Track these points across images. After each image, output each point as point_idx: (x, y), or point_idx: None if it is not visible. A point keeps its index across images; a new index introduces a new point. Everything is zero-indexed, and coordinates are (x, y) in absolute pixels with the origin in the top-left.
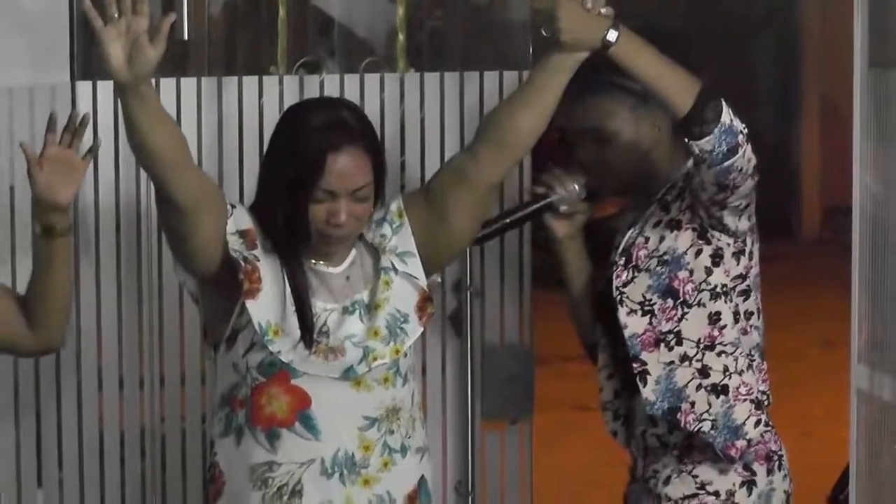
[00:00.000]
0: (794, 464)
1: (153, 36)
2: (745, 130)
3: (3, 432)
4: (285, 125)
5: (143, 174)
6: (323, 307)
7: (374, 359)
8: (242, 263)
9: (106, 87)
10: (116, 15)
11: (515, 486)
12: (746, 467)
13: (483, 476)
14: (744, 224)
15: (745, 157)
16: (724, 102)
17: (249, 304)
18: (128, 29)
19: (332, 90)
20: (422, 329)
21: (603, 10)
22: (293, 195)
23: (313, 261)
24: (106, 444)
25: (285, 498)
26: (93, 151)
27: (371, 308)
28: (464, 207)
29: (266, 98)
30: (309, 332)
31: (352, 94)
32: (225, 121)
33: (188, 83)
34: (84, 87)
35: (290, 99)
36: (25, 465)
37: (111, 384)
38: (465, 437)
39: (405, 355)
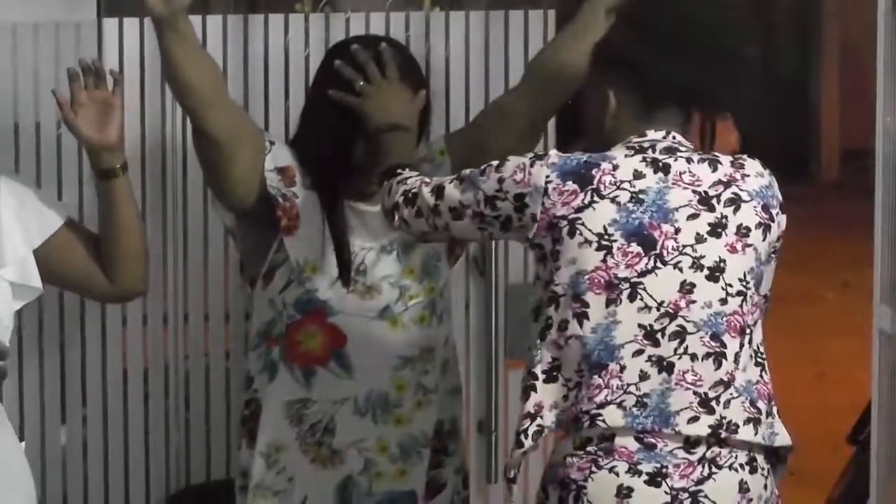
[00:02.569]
0: (811, 405)
1: None
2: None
3: (28, 369)
4: (334, 57)
5: (169, 111)
6: (361, 246)
7: (410, 298)
8: (280, 200)
9: (132, 25)
10: None
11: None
12: (543, 488)
13: (506, 414)
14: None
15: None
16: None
17: (287, 240)
18: None
19: (357, 28)
20: (450, 269)
21: None
22: (337, 130)
23: (352, 199)
24: (130, 382)
25: (318, 435)
26: (119, 84)
27: (407, 247)
28: (507, 146)
29: (291, 36)
30: (347, 270)
31: (377, 32)
32: (250, 59)
33: (214, 21)
34: (110, 23)
35: (316, 37)
36: (49, 402)
37: (135, 321)
38: (487, 376)
39: (440, 295)
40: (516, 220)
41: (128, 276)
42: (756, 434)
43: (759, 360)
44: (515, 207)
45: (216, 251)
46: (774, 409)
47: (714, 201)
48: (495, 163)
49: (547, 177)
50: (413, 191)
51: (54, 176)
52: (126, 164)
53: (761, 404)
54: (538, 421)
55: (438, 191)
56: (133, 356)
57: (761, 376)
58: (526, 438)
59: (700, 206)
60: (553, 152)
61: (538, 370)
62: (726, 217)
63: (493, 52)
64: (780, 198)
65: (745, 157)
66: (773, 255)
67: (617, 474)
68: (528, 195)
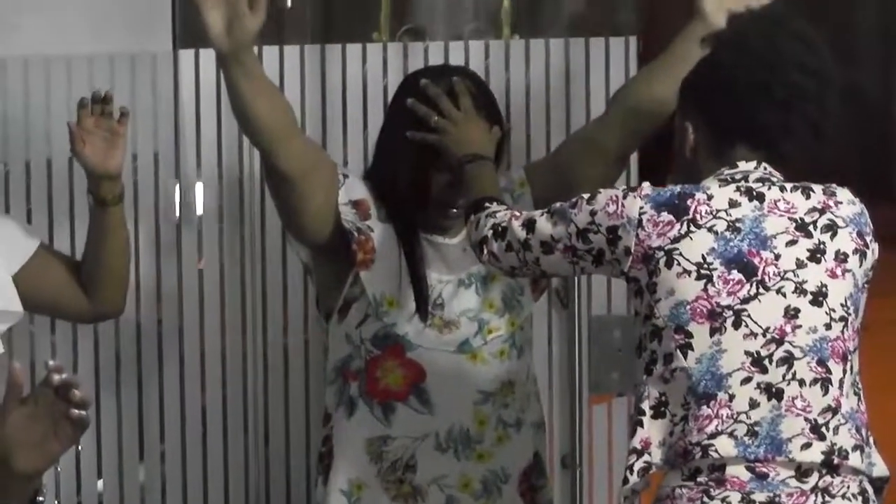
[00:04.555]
0: None
1: (253, 3)
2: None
3: (106, 406)
4: (406, 92)
5: (246, 143)
6: (438, 279)
7: (490, 332)
8: (356, 234)
9: (208, 56)
10: None
11: (622, 459)
12: None
13: (590, 449)
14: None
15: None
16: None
17: (363, 274)
18: None
19: (436, 57)
20: (535, 302)
21: None
22: (414, 164)
23: (429, 232)
24: (209, 418)
25: (399, 472)
26: (126, 115)
27: (487, 280)
28: (591, 178)
29: (369, 65)
30: (424, 304)
31: (456, 61)
32: (328, 89)
33: (291, 51)
34: (186, 55)
35: (394, 66)
36: (127, 440)
37: (214, 355)
38: (571, 410)
39: (521, 328)
40: (609, 253)
41: (108, 298)
42: (862, 462)
43: (857, 388)
44: (608, 240)
45: (295, 284)
46: (871, 439)
47: (811, 227)
48: (586, 195)
49: (641, 208)
50: (503, 224)
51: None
52: (123, 193)
53: (863, 432)
54: (645, 457)
55: (529, 224)
56: (212, 392)
57: (859, 405)
58: (632, 475)
59: (797, 233)
60: (646, 184)
61: (645, 405)
62: (824, 243)
63: (574, 81)
64: (872, 226)
65: (835, 185)
66: (865, 285)
67: None
68: (622, 227)
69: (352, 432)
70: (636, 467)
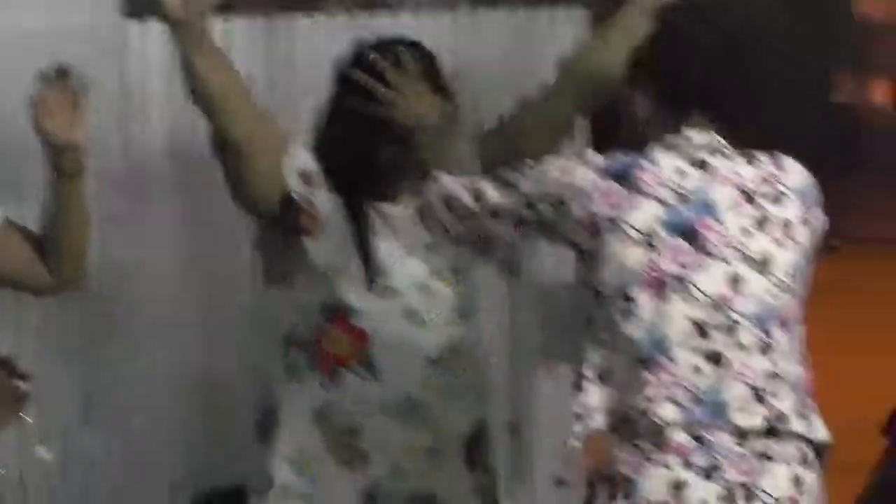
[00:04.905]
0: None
1: None
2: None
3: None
4: (352, 63)
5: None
6: (385, 246)
7: (436, 300)
8: (302, 203)
9: (157, 27)
10: None
11: (568, 425)
12: (590, 486)
13: (537, 415)
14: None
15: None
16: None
17: (309, 244)
18: None
19: (388, 29)
20: (482, 270)
21: None
22: (360, 135)
23: (376, 201)
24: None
25: (345, 439)
26: (86, 86)
27: (434, 248)
28: (539, 146)
29: (322, 35)
30: (370, 272)
31: (408, 34)
32: (280, 64)
33: (242, 23)
34: (134, 26)
35: (343, 36)
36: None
37: (161, 320)
38: (518, 376)
39: (468, 296)
40: (556, 221)
41: (69, 272)
42: (803, 427)
43: (800, 356)
44: (555, 209)
45: (244, 252)
46: (813, 406)
47: (758, 197)
48: (534, 164)
49: (588, 177)
50: (450, 192)
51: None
52: (84, 168)
53: (806, 399)
54: (587, 422)
55: (476, 193)
56: (161, 354)
57: (804, 372)
58: (576, 441)
59: (744, 202)
60: (590, 152)
61: (589, 371)
62: (770, 213)
63: (526, 52)
64: (819, 198)
65: (779, 154)
66: (811, 256)
67: (670, 468)
68: (569, 195)
69: (298, 400)
70: (579, 432)
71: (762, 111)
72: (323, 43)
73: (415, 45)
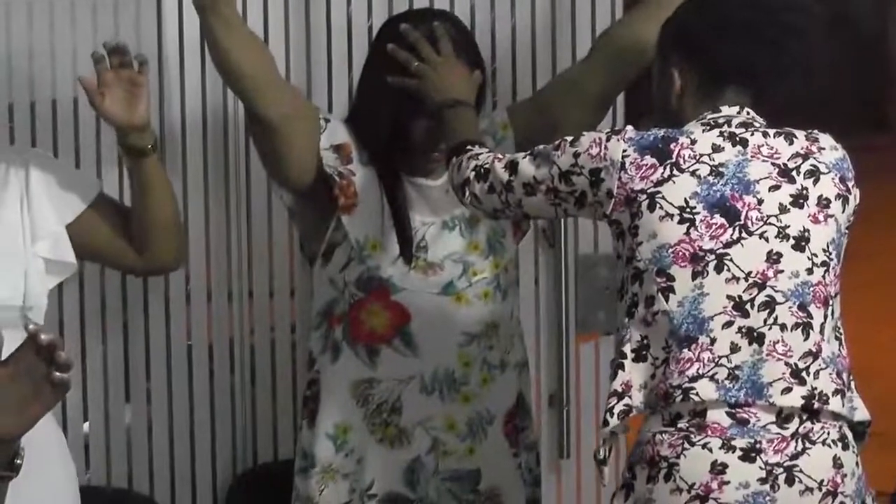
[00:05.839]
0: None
1: None
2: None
3: (92, 349)
4: (386, 37)
5: (230, 90)
6: (422, 221)
7: (474, 273)
8: (337, 178)
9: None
10: None
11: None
12: (629, 468)
13: (577, 388)
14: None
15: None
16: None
17: (345, 219)
18: None
19: None
20: (517, 244)
21: None
22: (394, 109)
23: (412, 175)
24: (194, 358)
25: (385, 415)
26: (145, 64)
27: (471, 222)
28: (575, 121)
29: (354, 7)
30: (408, 246)
31: (441, 2)
32: (313, 30)
33: None
34: (170, 1)
35: (379, 7)
36: (113, 380)
37: (199, 298)
38: (558, 349)
39: (505, 270)
40: (591, 195)
41: (159, 251)
42: (843, 406)
43: (838, 333)
44: (591, 182)
45: (280, 227)
46: (852, 384)
47: (794, 173)
48: (570, 138)
49: (624, 151)
50: (485, 166)
51: (114, 152)
52: (157, 142)
53: (844, 376)
54: (626, 400)
55: (512, 166)
56: (198, 333)
57: (840, 349)
58: (612, 417)
59: (781, 178)
60: (629, 128)
61: (627, 349)
62: (807, 189)
63: (560, 22)
64: (853, 171)
65: (817, 131)
66: (847, 230)
67: (710, 450)
68: (605, 170)
69: (337, 376)
70: (616, 410)
71: (802, 83)
72: (355, 12)
73: (448, 18)
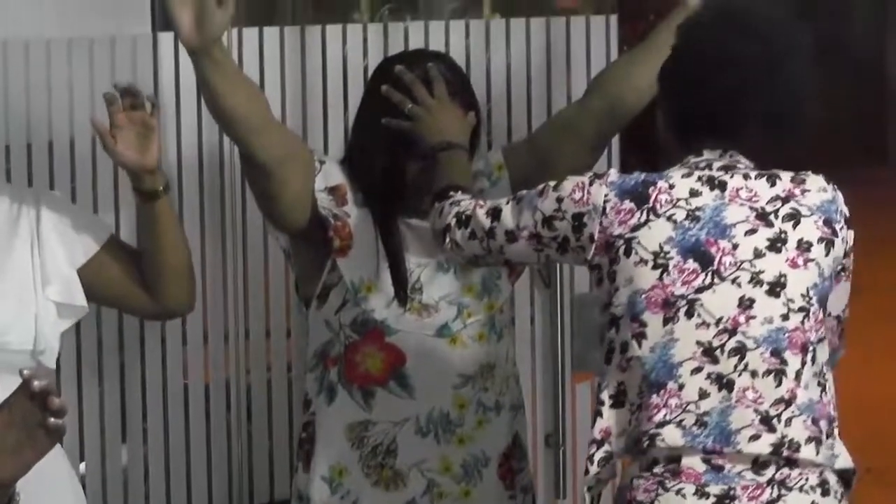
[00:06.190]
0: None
1: None
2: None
3: (88, 389)
4: (381, 78)
5: None
6: (416, 262)
7: (469, 315)
8: (332, 220)
9: None
10: None
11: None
12: None
13: (574, 428)
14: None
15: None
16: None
17: (340, 261)
18: None
19: (416, 37)
20: (512, 286)
21: None
22: (388, 151)
23: (406, 216)
24: (191, 398)
25: (380, 457)
26: (157, 106)
27: None
28: (570, 163)
29: (349, 46)
30: (403, 288)
31: (436, 41)
32: (308, 70)
33: (271, 33)
34: (165, 37)
35: (374, 47)
36: (110, 422)
37: (195, 338)
38: (554, 389)
39: (500, 311)
40: (574, 240)
41: (170, 295)
42: (818, 454)
43: (821, 380)
44: (573, 227)
45: (277, 268)
46: (835, 431)
47: (772, 217)
48: (552, 183)
49: (605, 196)
50: (467, 213)
51: (111, 193)
52: (168, 184)
53: (823, 424)
54: (605, 447)
55: (494, 213)
56: (194, 373)
57: (821, 396)
58: (592, 465)
59: (758, 222)
60: (612, 171)
61: (605, 395)
62: (785, 232)
63: (555, 61)
64: (847, 212)
65: (808, 173)
66: (842, 273)
67: (684, 496)
68: (587, 214)
69: (333, 418)
70: (596, 457)
71: (777, 129)
72: (351, 51)
73: (443, 59)
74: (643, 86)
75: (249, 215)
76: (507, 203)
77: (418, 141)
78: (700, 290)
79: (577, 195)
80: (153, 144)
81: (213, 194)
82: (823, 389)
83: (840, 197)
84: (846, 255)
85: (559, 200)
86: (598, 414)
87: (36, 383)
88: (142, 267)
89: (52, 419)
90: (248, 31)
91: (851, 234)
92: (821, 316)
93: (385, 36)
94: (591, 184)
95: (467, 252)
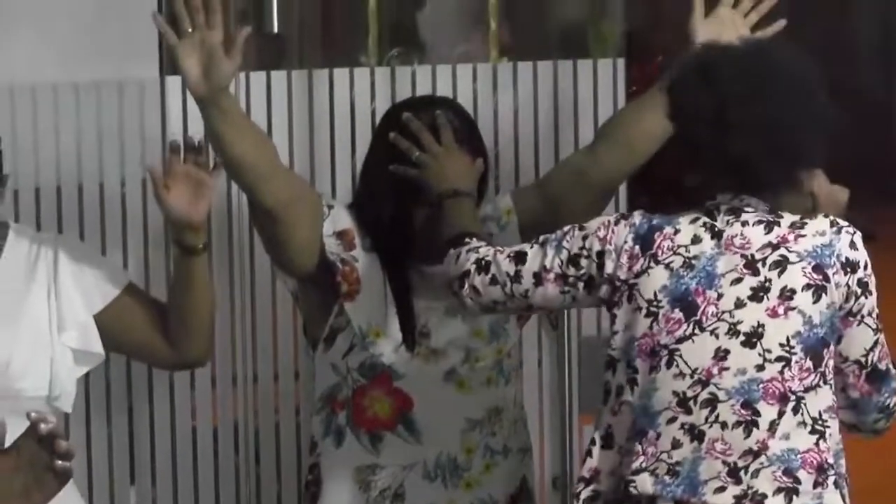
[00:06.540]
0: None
1: (229, 48)
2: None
3: (97, 430)
4: (389, 124)
5: None
6: (425, 306)
7: (477, 360)
8: (340, 265)
9: None
10: (190, 29)
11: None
12: None
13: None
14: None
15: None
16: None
17: (348, 306)
18: (202, 43)
19: (424, 81)
20: (520, 330)
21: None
22: (396, 198)
23: (415, 260)
24: (199, 440)
25: (388, 501)
26: (218, 167)
27: None
28: (579, 209)
29: (357, 90)
30: (411, 334)
31: (444, 85)
32: (316, 114)
33: (278, 77)
34: (173, 81)
35: (382, 90)
36: (119, 463)
37: (203, 381)
38: (562, 431)
39: (508, 355)
40: (598, 278)
41: (192, 348)
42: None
43: (816, 427)
44: (597, 265)
45: (285, 311)
46: (830, 479)
47: (759, 264)
48: (578, 224)
49: (625, 238)
50: (486, 258)
51: (119, 237)
52: (208, 242)
53: (803, 474)
54: (593, 486)
55: (518, 257)
56: (202, 416)
57: (817, 444)
58: (577, 502)
59: (745, 271)
60: (638, 213)
61: (597, 435)
62: (770, 280)
63: (563, 103)
64: (851, 256)
65: (813, 216)
66: (851, 318)
67: None
68: (607, 253)
69: (340, 461)
70: (583, 496)
71: (782, 170)
72: (359, 94)
73: (451, 106)
74: (653, 131)
75: (257, 258)
76: (532, 247)
77: (426, 188)
78: (681, 340)
79: (602, 233)
80: (205, 202)
81: (221, 237)
82: (821, 437)
83: (843, 239)
84: (850, 298)
85: (584, 238)
86: (588, 453)
87: (43, 426)
88: (166, 317)
89: (60, 462)
90: (255, 76)
91: (857, 277)
92: (808, 364)
93: (392, 79)
94: (616, 223)
95: (486, 298)
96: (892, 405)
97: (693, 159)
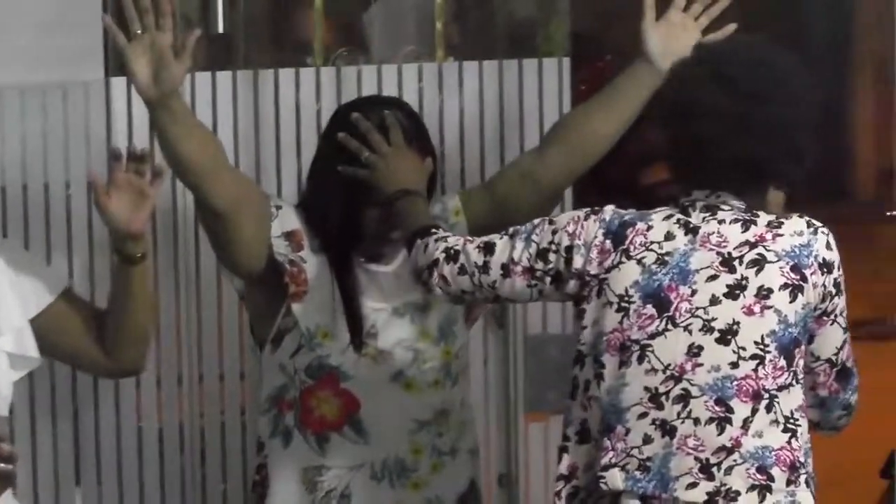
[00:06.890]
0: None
1: (178, 51)
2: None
3: (41, 432)
4: (337, 125)
5: None
6: (373, 307)
7: (425, 361)
8: (288, 266)
9: None
10: (140, 31)
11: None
12: None
13: (527, 467)
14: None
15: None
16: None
17: (296, 307)
18: (152, 45)
19: (370, 81)
20: (468, 331)
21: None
22: (345, 198)
23: (363, 259)
24: (144, 441)
25: (334, 502)
26: (160, 176)
27: (422, 309)
28: (527, 210)
29: (303, 90)
30: (358, 335)
31: (390, 84)
32: (262, 114)
33: (224, 77)
34: (118, 83)
35: (328, 91)
36: (63, 465)
37: (149, 382)
38: (507, 430)
39: (456, 357)
40: (566, 274)
41: (128, 357)
42: (762, 502)
43: (788, 425)
44: (565, 260)
45: (231, 310)
46: (802, 478)
47: (736, 262)
48: (548, 218)
49: (595, 233)
50: (455, 248)
51: (63, 239)
52: (147, 252)
53: (776, 471)
54: (573, 482)
55: (487, 247)
56: (148, 417)
57: (789, 442)
58: (560, 500)
59: (721, 268)
60: (609, 208)
61: (570, 431)
62: (746, 278)
63: (508, 102)
64: (827, 256)
65: (792, 215)
66: (825, 318)
67: None
68: (575, 248)
69: (287, 462)
70: (564, 493)
71: (754, 174)
72: (304, 95)
73: (399, 106)
74: (602, 133)
75: (203, 257)
76: (501, 237)
77: (375, 189)
78: (653, 335)
79: (571, 228)
80: (145, 212)
81: (166, 236)
82: (794, 435)
83: (820, 240)
84: (826, 298)
85: (554, 233)
86: (563, 450)
87: None
88: (103, 324)
89: (3, 464)
90: (200, 76)
91: (833, 277)
92: (781, 363)
93: (338, 80)
94: (586, 218)
95: (455, 288)
96: (854, 402)
97: (687, 156)
